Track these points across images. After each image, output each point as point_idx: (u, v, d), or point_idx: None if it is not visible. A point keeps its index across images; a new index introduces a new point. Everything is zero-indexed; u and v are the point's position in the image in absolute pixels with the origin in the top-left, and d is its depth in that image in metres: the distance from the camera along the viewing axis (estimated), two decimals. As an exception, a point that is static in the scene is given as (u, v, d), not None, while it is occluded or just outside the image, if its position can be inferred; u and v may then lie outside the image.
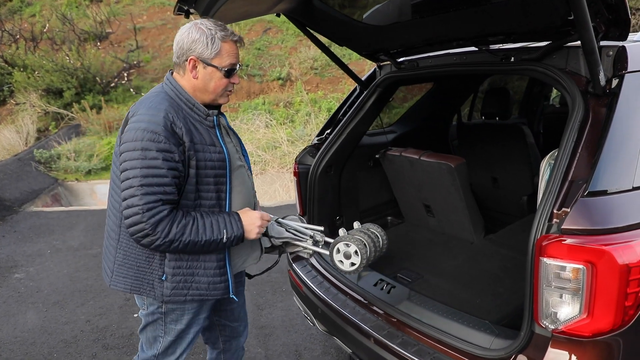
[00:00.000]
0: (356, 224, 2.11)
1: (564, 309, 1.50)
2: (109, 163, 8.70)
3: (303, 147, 3.05)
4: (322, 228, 2.07)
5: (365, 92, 2.86)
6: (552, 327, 1.53)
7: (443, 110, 3.75)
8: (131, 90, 11.38)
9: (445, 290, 2.27)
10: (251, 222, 1.70)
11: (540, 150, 3.31)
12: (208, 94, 1.67)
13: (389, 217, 3.32)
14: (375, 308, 2.23)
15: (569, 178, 1.63)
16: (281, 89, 10.72)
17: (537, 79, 2.28)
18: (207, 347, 2.30)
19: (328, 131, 2.98)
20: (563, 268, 1.46)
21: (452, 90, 3.67)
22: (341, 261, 1.99)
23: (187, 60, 1.62)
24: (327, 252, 1.99)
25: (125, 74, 11.38)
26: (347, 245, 1.96)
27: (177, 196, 1.55)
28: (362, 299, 2.32)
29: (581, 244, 1.41)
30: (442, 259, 2.60)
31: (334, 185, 2.88)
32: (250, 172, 1.93)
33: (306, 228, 2.08)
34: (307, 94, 10.18)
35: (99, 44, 12.61)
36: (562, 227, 1.45)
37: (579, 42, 1.89)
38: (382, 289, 2.32)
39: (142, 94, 11.77)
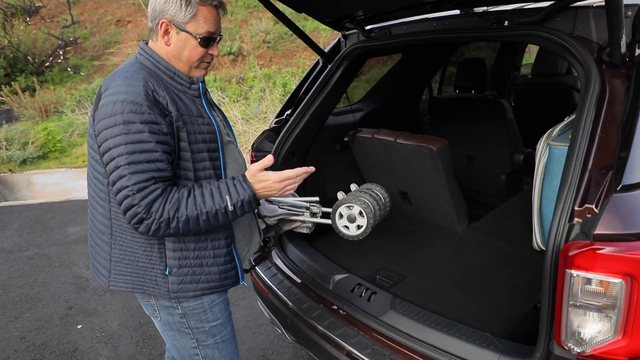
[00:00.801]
0: (345, 193, 1.98)
1: (593, 329, 1.23)
2: (47, 151, 7.97)
3: (259, 126, 2.67)
4: (317, 198, 1.96)
5: (329, 66, 2.49)
6: (578, 350, 1.26)
7: (413, 84, 3.43)
8: (69, 69, 10.53)
9: (434, 294, 1.99)
10: (262, 180, 1.47)
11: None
12: (182, 64, 1.49)
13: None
14: (355, 320, 1.92)
15: (589, 166, 1.35)
16: (233, 65, 10.21)
17: (540, 46, 1.97)
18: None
19: (288, 112, 2.60)
20: (595, 282, 1.17)
21: (423, 61, 3.35)
22: (346, 226, 1.89)
23: (159, 24, 1.44)
24: (329, 221, 1.88)
25: (61, 52, 10.47)
26: (350, 207, 1.86)
27: (170, 172, 1.37)
28: (339, 310, 2.01)
29: (619, 252, 1.13)
30: (424, 255, 2.31)
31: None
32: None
33: (300, 201, 1.96)
34: (260, 69, 9.73)
35: (28, 19, 11.52)
36: (595, 231, 1.16)
37: (587, 1, 1.59)
38: (361, 295, 2.01)
39: (82, 73, 10.99)
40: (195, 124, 1.43)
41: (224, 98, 8.74)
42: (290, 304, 2.17)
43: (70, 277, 4.05)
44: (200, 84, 1.50)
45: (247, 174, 1.48)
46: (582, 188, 1.32)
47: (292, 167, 2.51)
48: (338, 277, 2.14)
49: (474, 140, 3.13)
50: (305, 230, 2.00)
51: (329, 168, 2.58)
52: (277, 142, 2.49)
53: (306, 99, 2.51)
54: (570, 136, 1.82)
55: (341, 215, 1.90)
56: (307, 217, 1.95)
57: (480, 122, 3.03)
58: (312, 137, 2.60)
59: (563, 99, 3.55)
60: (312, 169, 1.56)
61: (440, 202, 2.40)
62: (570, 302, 1.23)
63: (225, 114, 1.76)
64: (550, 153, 1.83)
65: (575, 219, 1.29)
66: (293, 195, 1.97)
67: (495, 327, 1.69)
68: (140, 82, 1.34)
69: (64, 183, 7.05)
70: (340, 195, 1.95)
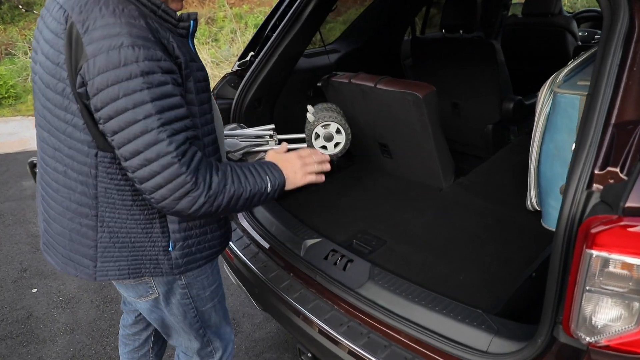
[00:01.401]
0: (309, 109, 1.92)
1: (611, 316, 1.03)
2: (0, 97, 7.38)
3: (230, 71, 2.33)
4: (272, 125, 1.86)
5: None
6: (590, 340, 1.06)
7: (394, 23, 3.08)
8: (20, 7, 9.64)
9: (417, 263, 1.77)
10: (289, 164, 1.35)
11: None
12: None
13: (335, 158, 2.73)
14: (329, 293, 1.71)
15: (612, 120, 1.10)
16: (201, 4, 9.56)
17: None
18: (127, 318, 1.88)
19: (252, 53, 2.26)
20: (621, 264, 0.95)
21: (406, -4, 2.99)
22: (324, 147, 1.87)
23: None
24: (303, 145, 1.81)
25: (10, -13, 9.53)
26: (326, 126, 1.84)
27: (195, 132, 1.16)
28: (311, 280, 1.78)
29: (655, 230, 0.90)
30: (406, 216, 2.09)
31: (265, 123, 2.22)
32: None
33: (260, 130, 1.86)
34: (230, 8, 9.10)
35: (-29, -52, 10.37)
36: (626, 204, 0.92)
37: None
38: (335, 263, 1.79)
39: (35, 12, 10.09)
40: (194, 71, 1.19)
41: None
42: (257, 272, 1.94)
43: (25, 235, 3.74)
44: (192, 21, 1.22)
45: (268, 159, 1.35)
46: (604, 147, 1.07)
47: (257, 116, 2.23)
48: (310, 242, 1.91)
49: (460, 86, 2.85)
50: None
51: (302, 117, 2.29)
52: (240, 87, 2.18)
53: (273, 38, 2.17)
54: (578, 82, 1.57)
55: (318, 136, 1.83)
56: (273, 145, 1.82)
57: (468, 65, 2.74)
58: (281, 82, 2.28)
59: (555, 41, 3.28)
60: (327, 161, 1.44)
61: (425, 157, 2.15)
62: (587, 287, 1.02)
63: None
64: (554, 102, 1.58)
65: (595, 185, 1.06)
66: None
67: (486, 301, 1.50)
68: (141, 20, 1.06)
69: (19, 132, 6.54)
70: (311, 116, 1.86)
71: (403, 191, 2.27)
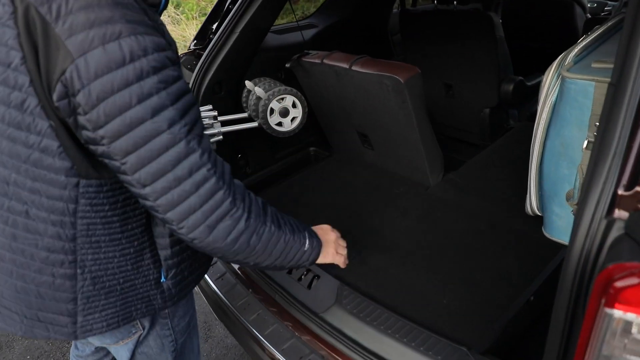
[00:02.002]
0: (249, 84, 1.82)
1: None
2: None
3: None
4: (210, 107, 1.76)
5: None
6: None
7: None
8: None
9: (394, 280, 1.50)
10: (325, 234, 1.22)
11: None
12: None
13: (312, 148, 2.45)
14: (289, 316, 1.45)
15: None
16: (188, -25, 9.05)
17: None
18: None
19: (212, 28, 1.95)
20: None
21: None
22: (279, 123, 1.80)
23: None
24: (254, 124, 1.75)
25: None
26: (282, 100, 1.76)
27: None
28: (271, 299, 1.52)
29: None
30: (386, 217, 1.80)
31: (227, 111, 1.94)
32: None
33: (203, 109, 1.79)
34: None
35: None
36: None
37: None
38: (300, 279, 1.52)
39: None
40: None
41: (178, 15, 7.78)
42: (212, 286, 1.68)
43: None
44: None
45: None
46: (632, 158, 0.78)
47: (220, 102, 1.94)
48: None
49: (454, 65, 2.54)
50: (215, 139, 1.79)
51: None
52: (196, 69, 1.87)
53: (234, 10, 1.85)
54: (593, 65, 1.26)
55: (272, 111, 1.73)
56: (218, 128, 1.72)
57: (463, 41, 2.42)
58: (245, 63, 1.98)
59: (562, 13, 2.94)
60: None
61: (409, 149, 1.86)
62: (603, 353, 0.74)
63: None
64: (562, 89, 1.28)
65: (618, 212, 0.77)
66: None
67: (473, 332, 1.23)
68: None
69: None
70: (260, 91, 1.73)
71: (386, 187, 1.98)
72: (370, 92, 1.78)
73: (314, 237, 1.13)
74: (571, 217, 1.42)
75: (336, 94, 1.92)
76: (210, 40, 1.91)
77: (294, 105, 1.73)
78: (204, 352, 2.36)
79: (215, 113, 1.74)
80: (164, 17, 7.53)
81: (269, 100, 1.69)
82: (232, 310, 1.54)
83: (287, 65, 2.02)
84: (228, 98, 1.99)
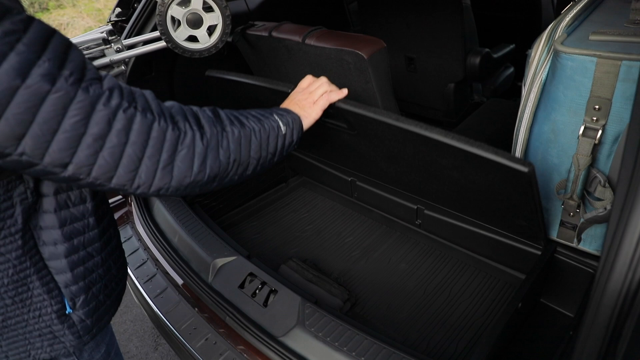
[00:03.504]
0: None
1: None
2: None
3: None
4: (108, 27, 1.47)
5: None
6: None
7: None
8: None
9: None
10: (291, 101, 1.09)
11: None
12: None
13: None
14: (243, 340, 1.23)
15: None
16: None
17: None
18: None
19: (137, -3, 1.64)
20: None
21: None
22: (192, 37, 1.39)
23: None
24: (159, 44, 1.41)
25: None
26: (186, 3, 1.32)
27: None
28: (221, 320, 1.29)
29: None
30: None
31: (161, 95, 1.64)
32: None
33: (89, 35, 1.40)
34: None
35: None
36: None
37: None
38: (254, 294, 1.30)
39: None
40: None
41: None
42: (152, 305, 1.43)
43: None
44: None
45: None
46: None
47: (151, 86, 1.63)
48: (221, 261, 1.40)
49: (417, 36, 2.32)
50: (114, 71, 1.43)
51: (215, 85, 1.70)
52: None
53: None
54: (591, 37, 1.07)
55: (176, 22, 1.33)
56: (112, 54, 1.35)
57: (426, 10, 2.20)
58: (181, 38, 1.68)
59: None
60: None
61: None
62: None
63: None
64: (555, 66, 1.08)
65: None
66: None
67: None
68: None
69: None
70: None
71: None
72: (329, 71, 1.53)
73: (285, 113, 1.00)
74: (558, 211, 1.27)
75: (288, 72, 1.66)
76: (135, 9, 1.60)
77: (207, 8, 1.32)
78: (153, 363, 2.13)
79: (104, 35, 1.37)
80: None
81: (164, 4, 1.28)
82: (176, 335, 1.31)
83: (229, 39, 1.74)
84: (162, 80, 1.70)
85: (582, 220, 1.19)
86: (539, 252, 1.32)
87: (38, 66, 0.60)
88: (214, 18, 1.38)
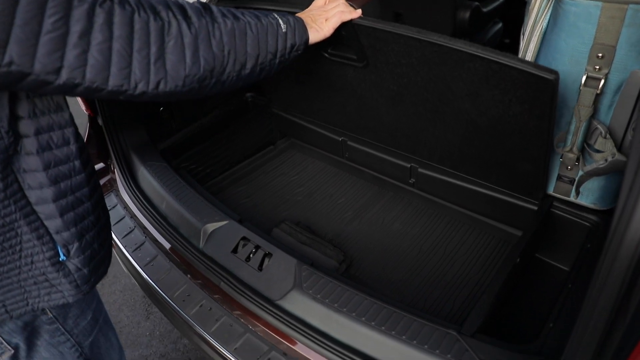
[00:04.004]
0: None
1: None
2: None
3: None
4: None
5: None
6: None
7: None
8: None
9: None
10: (307, 11, 1.10)
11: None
12: None
13: (249, 94, 2.12)
14: (239, 305, 1.21)
15: None
16: None
17: None
18: None
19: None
20: None
21: None
22: None
23: None
24: None
25: None
26: None
27: None
28: (215, 286, 1.27)
29: None
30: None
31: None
32: None
33: None
34: None
35: None
36: None
37: None
38: (247, 259, 1.27)
39: None
40: None
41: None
42: (142, 273, 1.39)
43: None
44: None
45: None
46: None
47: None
48: (212, 226, 1.36)
49: (404, -10, 2.25)
50: None
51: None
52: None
53: None
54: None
55: None
56: None
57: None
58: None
59: None
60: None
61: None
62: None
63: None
64: (557, 12, 1.04)
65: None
66: None
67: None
68: None
69: None
70: None
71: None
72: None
73: (287, 14, 1.00)
74: (556, 164, 1.25)
75: None
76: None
77: None
78: (147, 331, 2.12)
79: None
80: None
81: None
82: (169, 303, 1.28)
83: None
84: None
85: (581, 173, 1.17)
86: (535, 208, 1.32)
87: None
88: None
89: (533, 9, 1.11)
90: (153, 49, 0.72)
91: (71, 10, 0.63)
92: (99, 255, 0.91)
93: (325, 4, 1.13)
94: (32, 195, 0.78)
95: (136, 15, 0.70)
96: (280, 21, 0.96)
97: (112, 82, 0.70)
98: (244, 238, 1.31)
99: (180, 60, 0.76)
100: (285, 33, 0.96)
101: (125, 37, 0.69)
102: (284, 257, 1.23)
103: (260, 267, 1.24)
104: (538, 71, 0.92)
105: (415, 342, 0.99)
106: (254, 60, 0.89)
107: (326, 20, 1.08)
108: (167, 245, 1.42)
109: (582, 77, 1.05)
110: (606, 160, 1.07)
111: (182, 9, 0.78)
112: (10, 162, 0.74)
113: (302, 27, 1.01)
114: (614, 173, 1.12)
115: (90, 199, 0.87)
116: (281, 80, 1.68)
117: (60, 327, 0.96)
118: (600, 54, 1.01)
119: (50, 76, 0.64)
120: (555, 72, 0.92)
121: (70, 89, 0.67)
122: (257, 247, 1.27)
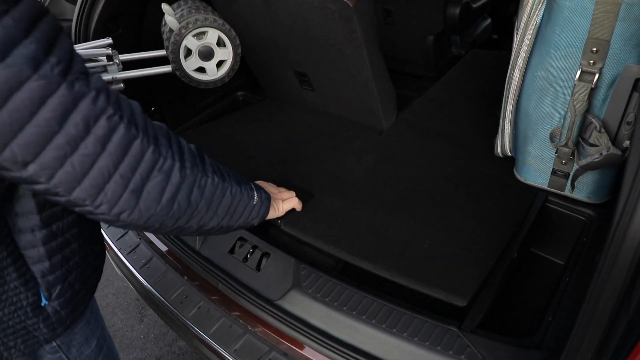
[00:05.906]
0: (166, 8, 1.36)
1: None
2: None
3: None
4: (109, 40, 1.35)
5: None
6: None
7: None
8: None
9: (360, 226, 1.27)
10: (264, 186, 1.14)
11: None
12: None
13: (240, 93, 2.10)
14: (239, 307, 1.20)
15: None
16: None
17: None
18: None
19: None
20: None
21: None
22: (201, 69, 1.45)
23: None
24: (167, 68, 1.39)
25: None
26: (201, 36, 1.38)
27: None
28: (213, 288, 1.26)
29: None
30: (338, 160, 1.55)
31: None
32: None
33: (91, 48, 1.33)
34: None
35: None
36: None
37: None
38: (245, 259, 1.26)
39: None
40: None
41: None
42: (138, 276, 1.38)
43: None
44: None
45: None
46: None
47: (116, 46, 1.50)
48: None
49: (394, -14, 2.24)
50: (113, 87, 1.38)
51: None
52: (79, 1, 1.44)
53: None
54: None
55: (188, 52, 1.38)
56: (115, 72, 1.33)
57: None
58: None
59: None
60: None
61: (358, 89, 1.59)
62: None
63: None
64: (551, 7, 1.04)
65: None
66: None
67: (461, 302, 1.05)
68: None
69: None
70: (172, 20, 1.33)
71: (332, 131, 1.71)
72: (310, 21, 1.45)
73: (261, 189, 1.03)
74: (550, 159, 1.26)
75: (265, 25, 1.57)
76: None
77: (220, 44, 1.37)
78: (141, 334, 2.10)
79: (110, 51, 1.33)
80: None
81: (181, 35, 1.32)
82: (166, 306, 1.27)
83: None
84: (129, 38, 1.58)
85: (576, 167, 1.18)
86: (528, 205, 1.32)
87: (23, 46, 0.53)
88: (225, 54, 1.45)
89: (527, 4, 1.11)
90: (136, 178, 0.67)
91: (73, 112, 0.58)
92: (79, 295, 0.87)
93: (279, 191, 1.21)
94: (22, 239, 0.74)
95: (137, 141, 0.66)
96: (255, 194, 0.98)
97: (77, 194, 0.62)
98: (240, 238, 1.30)
99: (157, 198, 0.71)
100: (254, 205, 0.98)
101: (115, 157, 0.63)
102: (282, 256, 1.22)
103: (258, 268, 1.23)
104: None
105: (416, 339, 1.00)
106: (217, 221, 0.87)
107: (282, 201, 1.18)
108: (163, 248, 1.40)
109: (576, 71, 1.06)
110: (601, 154, 1.08)
111: (181, 151, 0.76)
112: (2, 206, 0.71)
113: (268, 205, 1.06)
114: (608, 167, 1.13)
115: (79, 238, 0.84)
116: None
117: (64, 356, 0.93)
118: (594, 49, 1.01)
119: (14, 165, 0.57)
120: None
121: (28, 183, 0.60)
122: (255, 247, 1.27)
